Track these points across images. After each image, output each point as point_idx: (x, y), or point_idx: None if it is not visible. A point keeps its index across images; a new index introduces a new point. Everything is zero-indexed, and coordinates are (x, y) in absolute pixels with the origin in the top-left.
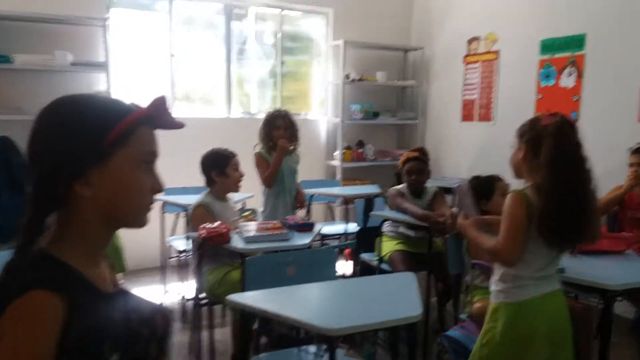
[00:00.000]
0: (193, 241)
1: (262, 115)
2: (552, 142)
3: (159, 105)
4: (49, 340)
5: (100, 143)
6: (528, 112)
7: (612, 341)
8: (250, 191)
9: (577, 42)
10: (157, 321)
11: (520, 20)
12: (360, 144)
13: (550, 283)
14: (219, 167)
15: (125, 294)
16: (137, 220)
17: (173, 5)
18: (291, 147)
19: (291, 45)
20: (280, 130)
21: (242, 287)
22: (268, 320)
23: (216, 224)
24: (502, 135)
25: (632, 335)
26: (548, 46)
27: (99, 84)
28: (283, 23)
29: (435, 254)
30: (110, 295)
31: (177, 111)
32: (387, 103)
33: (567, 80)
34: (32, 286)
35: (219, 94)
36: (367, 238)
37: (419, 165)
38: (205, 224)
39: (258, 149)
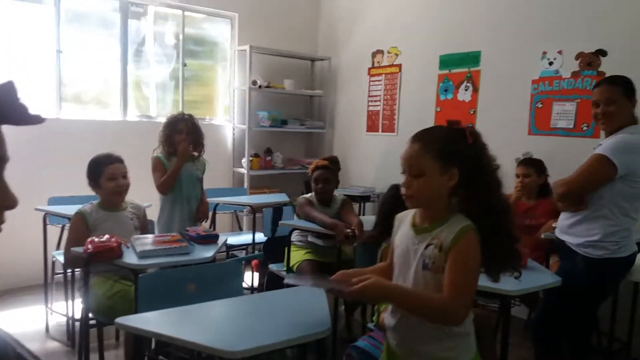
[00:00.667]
0: (66, 258)
1: (162, 119)
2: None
3: (3, 94)
4: None
5: None
6: (428, 124)
7: (510, 341)
8: (149, 200)
9: (472, 58)
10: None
11: (421, 36)
12: (269, 151)
13: None
14: (92, 178)
15: None
16: None
17: None
18: (195, 154)
19: (194, 48)
20: (182, 135)
21: (135, 308)
22: (165, 343)
23: (105, 237)
24: (404, 146)
25: (525, 335)
26: (446, 61)
27: None
28: (185, 25)
29: (344, 263)
30: None
31: (65, 112)
32: (295, 111)
33: (464, 94)
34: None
35: (114, 96)
36: (275, 248)
37: (327, 173)
38: (93, 238)
39: (157, 152)
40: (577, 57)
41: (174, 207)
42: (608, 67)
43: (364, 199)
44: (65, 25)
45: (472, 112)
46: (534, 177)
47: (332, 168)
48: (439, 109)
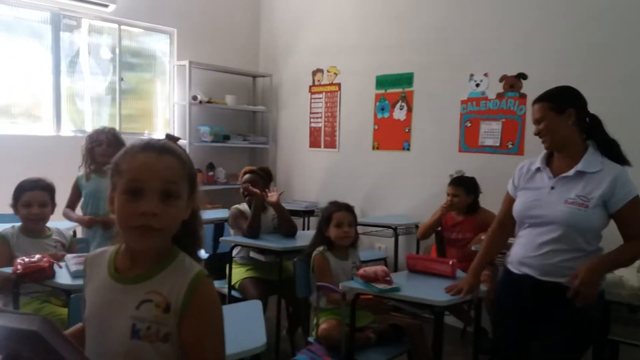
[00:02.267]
0: None
1: None
2: None
3: None
4: None
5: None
6: (367, 141)
7: (446, 350)
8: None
9: (406, 79)
10: None
11: (358, 56)
12: (211, 166)
13: None
14: (13, 200)
15: None
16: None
17: None
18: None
19: (132, 60)
20: (102, 147)
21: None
22: None
23: (36, 256)
24: (345, 161)
25: (463, 343)
26: (382, 82)
27: None
28: (122, 38)
29: (285, 279)
30: None
31: None
32: (238, 127)
33: (399, 113)
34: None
35: (46, 110)
36: (217, 265)
37: (254, 177)
38: (23, 257)
39: (80, 170)
40: (501, 80)
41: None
42: (528, 89)
43: (307, 213)
44: None
45: (407, 130)
46: (462, 196)
47: (260, 174)
48: (376, 127)
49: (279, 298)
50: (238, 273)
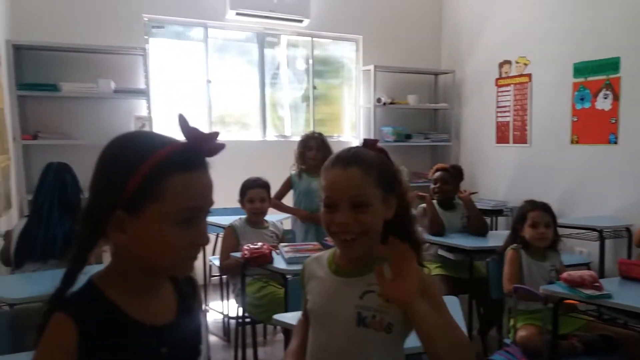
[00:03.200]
0: (222, 264)
1: (296, 138)
2: None
3: (193, 134)
4: (63, 357)
5: (122, 190)
6: (564, 135)
7: None
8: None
9: (611, 65)
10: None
11: (551, 44)
12: None
13: None
14: (240, 196)
15: (182, 324)
16: (176, 271)
17: (208, 33)
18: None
19: (322, 69)
20: (312, 151)
21: (286, 307)
22: None
23: (259, 244)
24: (538, 157)
25: None
26: (581, 69)
27: (140, 110)
28: (314, 49)
29: (477, 278)
30: (149, 327)
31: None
32: (419, 125)
33: (603, 103)
34: (58, 308)
35: (253, 118)
36: None
37: (445, 175)
38: (248, 245)
39: (292, 169)
40: None
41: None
42: None
43: (495, 212)
44: (212, 56)
45: (613, 122)
46: None
47: (450, 171)
48: (575, 119)
49: (470, 298)
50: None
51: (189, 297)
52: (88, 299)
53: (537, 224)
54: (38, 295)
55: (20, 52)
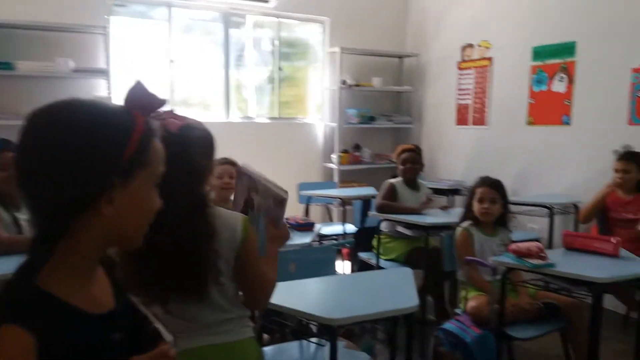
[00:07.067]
0: None
1: (261, 120)
2: None
3: (144, 97)
4: None
5: (120, 158)
6: (521, 117)
7: (605, 335)
8: None
9: (567, 49)
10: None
11: (512, 28)
12: (357, 147)
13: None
14: None
15: (124, 309)
16: (140, 240)
17: (172, 13)
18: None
19: (288, 51)
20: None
21: None
22: (273, 312)
23: None
24: (495, 138)
25: (625, 331)
26: (539, 53)
27: (99, 90)
28: (280, 30)
29: (431, 251)
30: (99, 316)
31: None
32: (383, 108)
33: (558, 86)
34: (4, 320)
35: (217, 99)
36: (364, 238)
37: (414, 155)
38: None
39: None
40: None
41: None
42: None
43: (453, 192)
44: (176, 37)
45: (567, 103)
46: (634, 173)
47: (417, 151)
48: (532, 101)
49: (425, 270)
50: (391, 247)
51: (120, 281)
52: (37, 303)
53: (482, 199)
54: None
55: None
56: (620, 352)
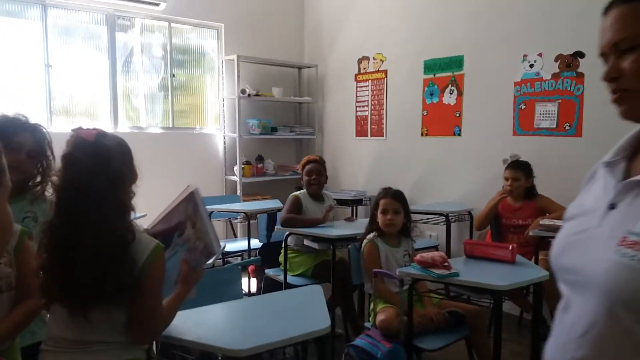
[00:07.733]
0: None
1: (153, 130)
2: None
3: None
4: None
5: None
6: (416, 128)
7: (503, 337)
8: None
9: (456, 62)
10: None
11: (404, 42)
12: (260, 158)
13: None
14: None
15: None
16: None
17: (47, 12)
18: None
19: (182, 58)
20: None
21: None
22: (170, 345)
23: None
24: (393, 149)
25: (520, 331)
26: (430, 66)
27: None
28: (172, 35)
29: (338, 264)
30: None
31: (55, 125)
32: (285, 118)
33: (449, 98)
34: None
35: (103, 108)
36: (270, 253)
37: (319, 167)
38: None
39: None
40: (556, 59)
41: None
42: (586, 67)
43: (355, 202)
44: (53, 39)
45: (457, 115)
46: (522, 180)
47: (322, 163)
48: (425, 113)
49: (333, 284)
50: (299, 260)
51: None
52: None
53: (386, 210)
54: None
55: None
56: (517, 353)
